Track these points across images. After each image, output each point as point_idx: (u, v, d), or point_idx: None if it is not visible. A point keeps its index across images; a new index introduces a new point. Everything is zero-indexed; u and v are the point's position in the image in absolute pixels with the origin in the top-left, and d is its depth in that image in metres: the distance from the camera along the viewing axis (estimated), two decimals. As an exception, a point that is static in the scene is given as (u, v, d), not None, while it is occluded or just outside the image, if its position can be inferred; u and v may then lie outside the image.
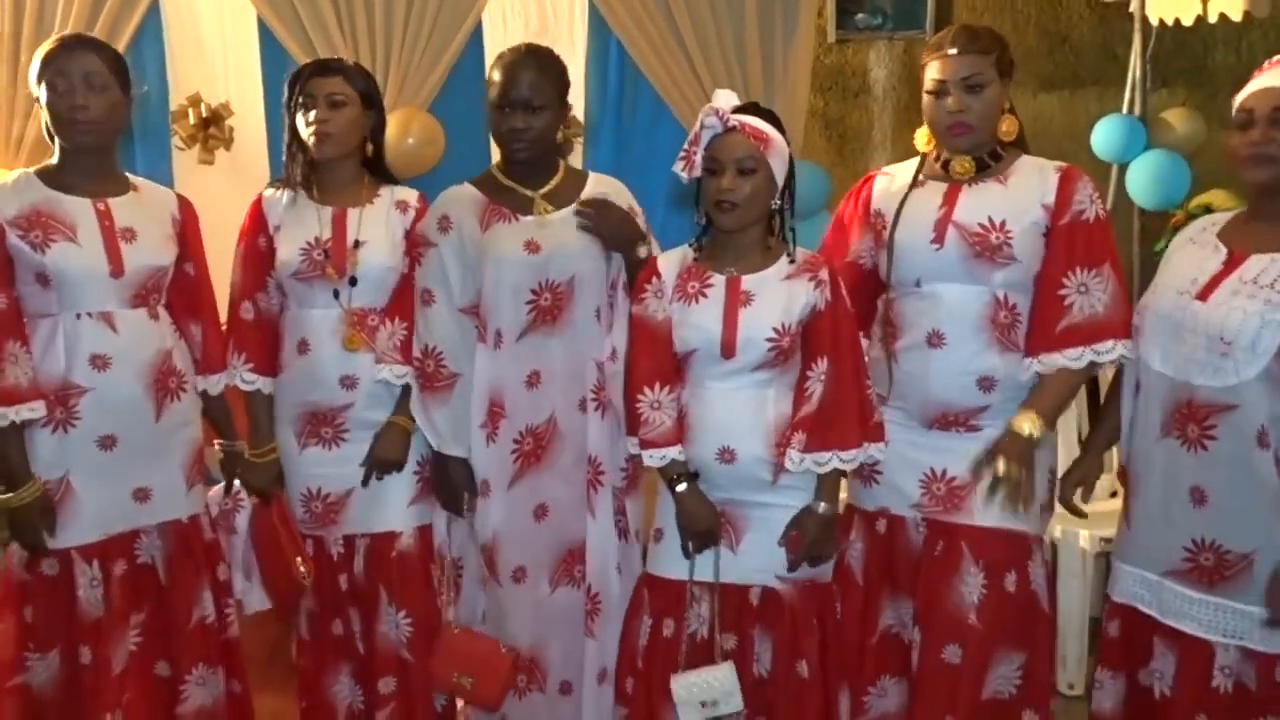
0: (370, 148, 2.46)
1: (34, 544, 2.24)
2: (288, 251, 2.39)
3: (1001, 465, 2.10)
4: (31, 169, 2.31)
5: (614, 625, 2.43)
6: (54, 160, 2.29)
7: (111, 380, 2.25)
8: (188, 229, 2.42)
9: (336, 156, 2.40)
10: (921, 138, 2.28)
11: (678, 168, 2.18)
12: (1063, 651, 3.05)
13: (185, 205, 2.44)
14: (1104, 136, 4.19)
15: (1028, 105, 5.44)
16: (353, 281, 2.38)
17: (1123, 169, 4.30)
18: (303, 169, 2.41)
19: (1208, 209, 3.73)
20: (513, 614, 2.43)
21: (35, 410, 2.20)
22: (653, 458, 2.24)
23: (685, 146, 2.18)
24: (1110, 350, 2.12)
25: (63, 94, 2.19)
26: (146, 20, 3.75)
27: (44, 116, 2.26)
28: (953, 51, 2.16)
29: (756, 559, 2.24)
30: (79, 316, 2.24)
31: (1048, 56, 5.42)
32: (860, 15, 5.23)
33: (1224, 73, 5.28)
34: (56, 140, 2.27)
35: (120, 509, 2.31)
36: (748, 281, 2.21)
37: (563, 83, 2.37)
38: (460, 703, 2.55)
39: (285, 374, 2.44)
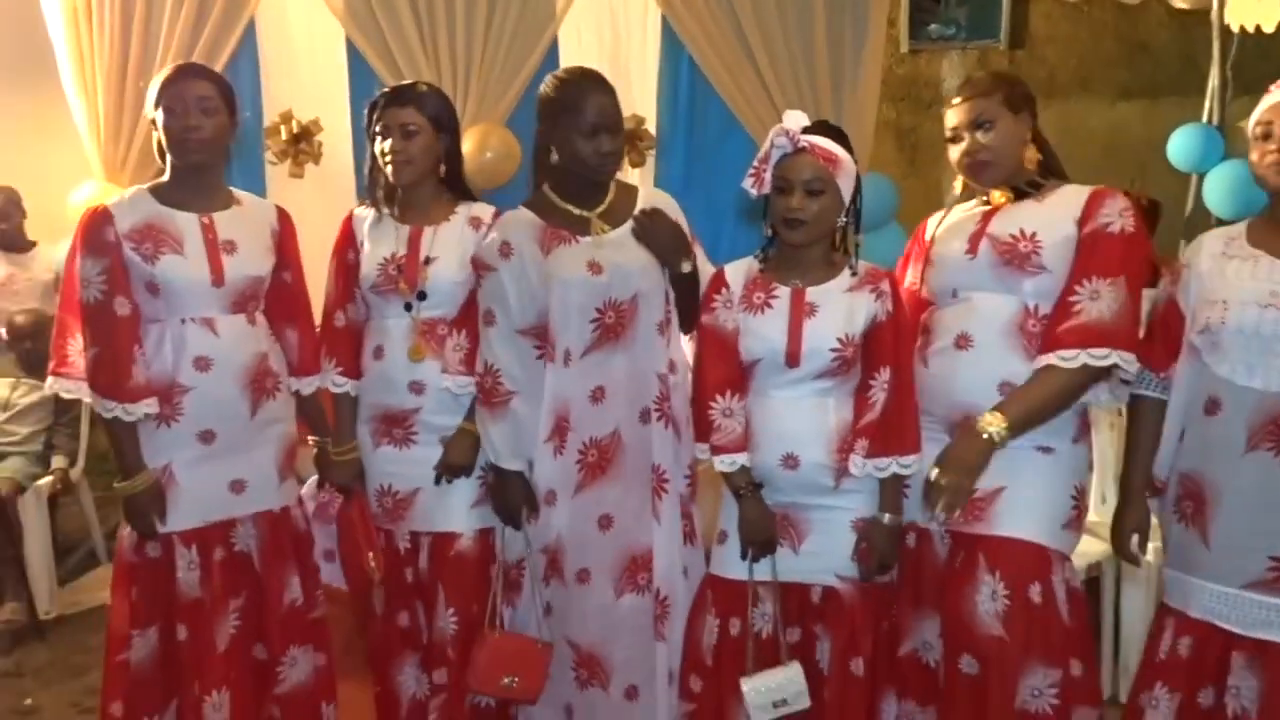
0: (445, 168, 2.58)
1: (146, 529, 2.44)
2: (368, 266, 2.56)
3: (935, 473, 2.15)
4: (144, 185, 2.51)
5: (682, 629, 2.50)
6: (165, 178, 2.49)
7: (212, 380, 2.44)
8: (285, 240, 2.60)
9: (414, 180, 2.54)
10: (959, 184, 2.36)
11: (747, 184, 2.25)
12: (1125, 662, 3.05)
13: (284, 217, 2.62)
14: (1181, 146, 4.15)
15: (1105, 114, 5.40)
16: (421, 296, 2.52)
17: (1201, 178, 4.25)
18: (385, 190, 2.57)
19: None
20: (576, 614, 2.52)
21: (152, 407, 2.40)
22: (724, 463, 2.31)
23: (755, 164, 2.25)
24: (1106, 358, 2.13)
25: (178, 116, 2.39)
26: (243, 42, 3.99)
27: (156, 136, 2.46)
28: (957, 101, 2.25)
29: (818, 559, 2.31)
30: (184, 322, 2.43)
31: (1126, 65, 5.36)
32: (934, 25, 5.24)
33: (1311, 79, 5.18)
34: (169, 159, 2.46)
35: (218, 499, 2.50)
36: (812, 293, 2.28)
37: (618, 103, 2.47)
38: None
39: (365, 377, 2.60)
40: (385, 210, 2.58)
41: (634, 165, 4.21)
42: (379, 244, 2.56)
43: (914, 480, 2.27)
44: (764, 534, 2.30)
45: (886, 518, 2.27)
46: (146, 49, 3.93)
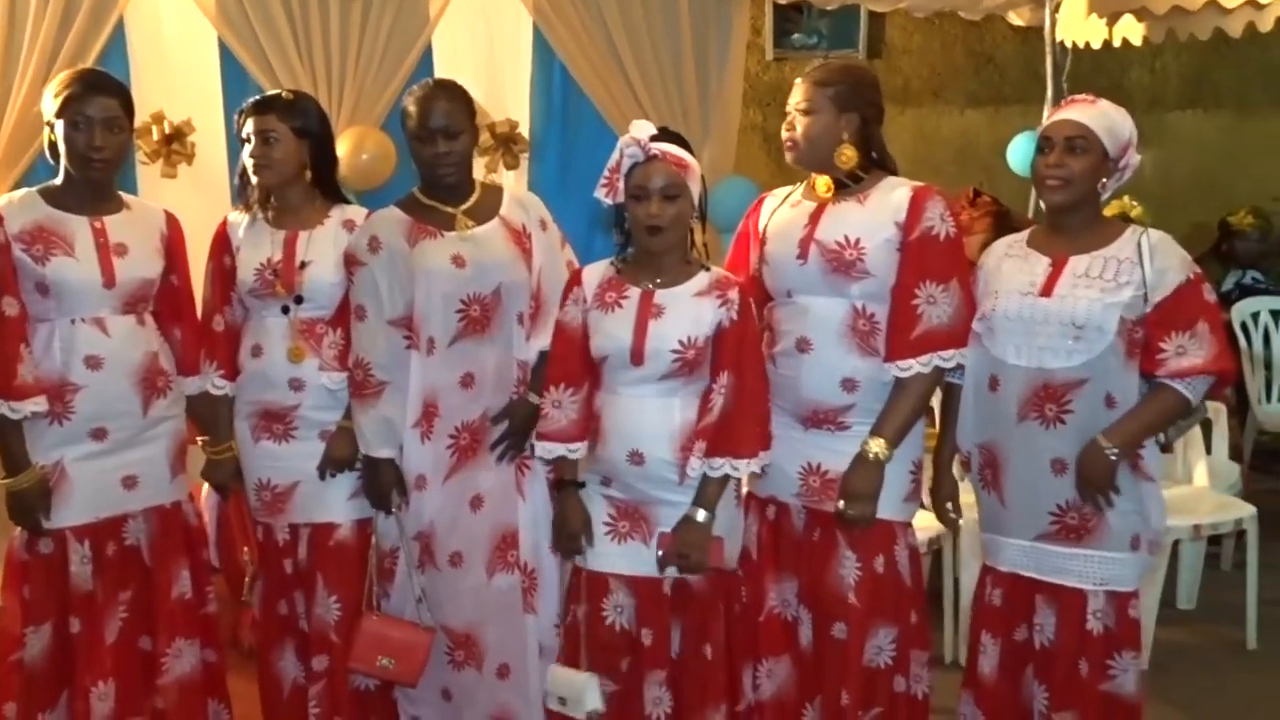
0: (312, 173, 2.66)
1: (32, 525, 2.49)
2: (245, 271, 2.64)
3: (843, 505, 2.36)
4: (35, 188, 2.56)
5: (549, 601, 2.65)
6: (58, 181, 2.53)
7: (104, 378, 2.50)
8: (174, 244, 2.66)
9: (276, 185, 2.63)
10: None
11: (600, 193, 2.35)
12: (964, 629, 3.29)
13: (172, 222, 2.68)
14: (1016, 152, 4.45)
15: (956, 121, 5.74)
16: (298, 300, 2.62)
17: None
18: (259, 194, 2.65)
19: (1124, 217, 4.01)
20: (450, 597, 2.63)
21: (39, 405, 2.44)
22: (544, 449, 2.46)
23: (607, 173, 2.35)
24: (951, 359, 2.37)
25: (83, 133, 2.44)
26: (112, 40, 3.94)
27: (48, 137, 2.49)
28: (798, 81, 2.43)
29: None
30: (74, 322, 2.49)
31: (974, 76, 5.70)
32: (797, 35, 5.50)
33: (1139, 92, 5.60)
34: (62, 164, 2.50)
35: (110, 494, 2.55)
36: (660, 295, 2.39)
37: (471, 109, 2.59)
38: None
39: (243, 374, 2.67)
40: (259, 215, 2.65)
41: (508, 168, 4.32)
42: (254, 249, 2.63)
43: (774, 458, 2.41)
44: (571, 529, 2.42)
45: (700, 514, 2.34)
46: (10, 47, 3.86)
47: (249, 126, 2.58)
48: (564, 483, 2.46)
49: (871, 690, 2.42)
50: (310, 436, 2.63)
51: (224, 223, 2.71)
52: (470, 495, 2.61)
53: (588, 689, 2.39)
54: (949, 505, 2.54)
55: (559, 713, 2.45)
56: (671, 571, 2.39)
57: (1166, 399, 2.29)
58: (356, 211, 2.70)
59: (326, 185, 2.70)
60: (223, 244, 2.68)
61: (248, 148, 2.59)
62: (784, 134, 2.44)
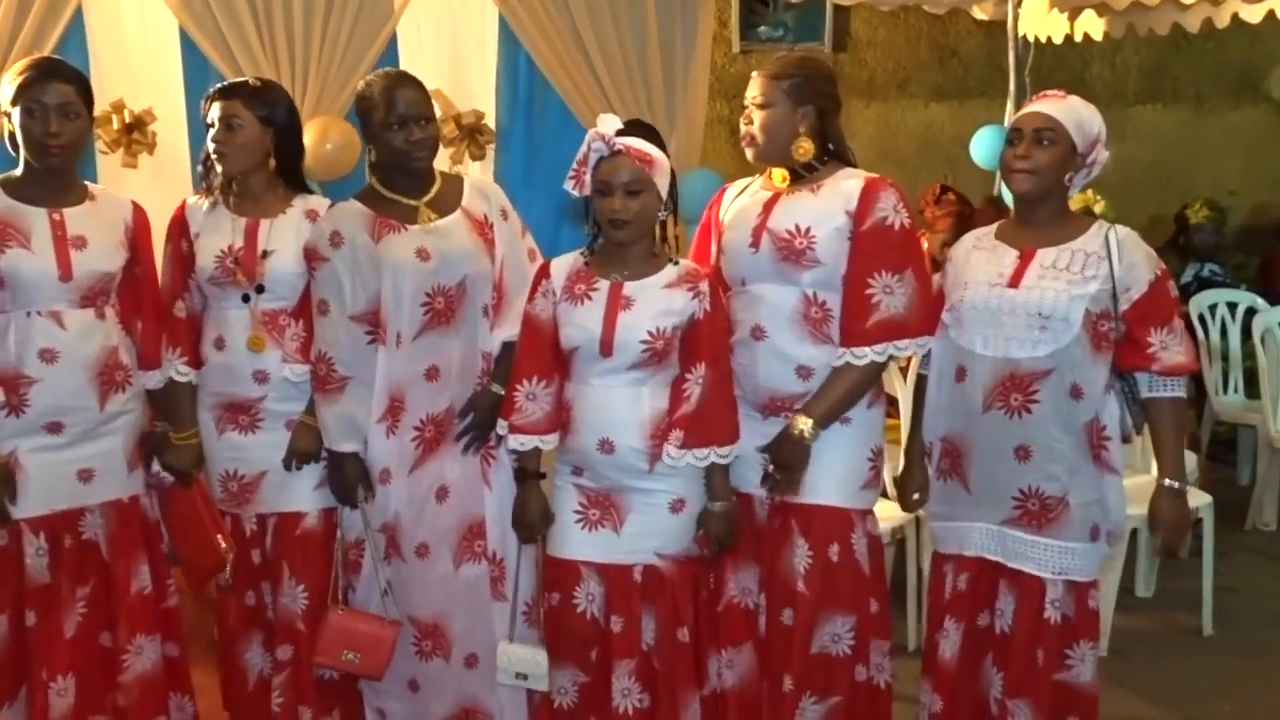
0: (276, 162, 2.63)
1: None
2: (204, 258, 2.60)
3: (770, 469, 2.40)
4: None
5: (519, 589, 2.64)
6: (18, 172, 2.50)
7: (59, 372, 2.46)
8: (139, 235, 2.62)
9: (237, 172, 2.60)
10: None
11: (569, 186, 2.38)
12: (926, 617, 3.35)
13: (139, 213, 2.64)
14: (979, 145, 4.50)
15: (920, 114, 5.78)
16: (259, 289, 2.59)
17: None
18: (221, 181, 2.62)
19: (1087, 211, 4.07)
20: (417, 588, 2.63)
21: None
22: (518, 442, 2.46)
23: (574, 166, 2.38)
24: (907, 348, 2.40)
25: (38, 121, 2.40)
26: (71, 28, 3.91)
27: (7, 128, 2.46)
28: (755, 75, 2.44)
29: (639, 540, 2.44)
30: (29, 315, 2.45)
31: (938, 69, 5.74)
32: (763, 28, 5.51)
33: (1101, 85, 5.67)
34: (21, 154, 2.46)
35: (65, 488, 2.52)
36: (629, 287, 2.40)
37: (429, 97, 2.58)
38: None
39: (205, 367, 2.65)
40: (219, 200, 2.62)
41: (474, 159, 4.31)
42: (214, 235, 2.60)
43: (734, 459, 2.44)
44: (529, 519, 2.46)
45: (718, 506, 2.42)
46: (-33, 33, 3.83)
47: (214, 112, 2.56)
48: (527, 473, 2.48)
49: (830, 679, 2.44)
50: (276, 427, 2.62)
51: (182, 206, 2.67)
52: (436, 487, 2.61)
53: (543, 660, 2.44)
54: (915, 495, 2.56)
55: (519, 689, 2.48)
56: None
57: (1176, 409, 2.36)
58: (319, 202, 2.68)
59: (291, 175, 2.68)
60: (180, 228, 2.64)
61: (211, 132, 2.56)
62: (742, 129, 2.45)
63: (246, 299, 2.59)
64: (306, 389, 2.61)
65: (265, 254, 2.58)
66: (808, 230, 2.38)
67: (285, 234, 2.61)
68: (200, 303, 2.65)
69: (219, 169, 2.59)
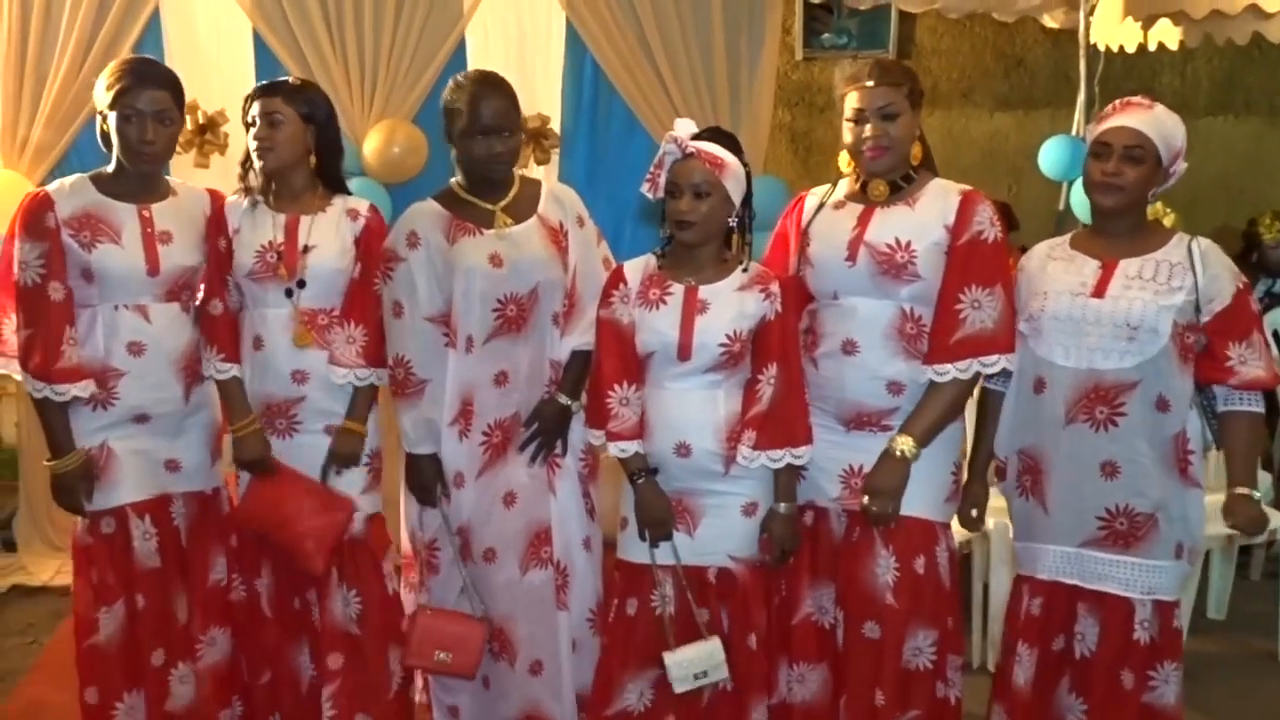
0: (316, 161, 2.62)
1: (74, 506, 2.51)
2: (244, 254, 2.60)
3: (867, 501, 2.36)
4: (87, 174, 2.56)
5: (581, 597, 2.65)
6: (109, 169, 2.55)
7: (146, 364, 2.52)
8: (215, 220, 2.64)
9: (277, 169, 2.59)
10: (844, 160, 2.47)
11: (644, 188, 2.41)
12: (992, 635, 3.29)
13: (216, 199, 2.67)
14: (1049, 155, 4.42)
15: (985, 123, 5.72)
16: (301, 284, 2.59)
17: (1071, 185, 4.54)
18: (261, 179, 2.62)
19: (1156, 222, 3.99)
20: (484, 592, 2.63)
21: (85, 390, 2.47)
22: (618, 449, 2.45)
23: (650, 169, 2.40)
24: (995, 363, 2.35)
25: (134, 127, 2.45)
26: (147, 31, 3.96)
27: (101, 126, 2.50)
28: (869, 84, 2.36)
29: (713, 542, 2.45)
30: (116, 308, 2.50)
31: (1004, 78, 5.68)
32: (826, 35, 5.48)
33: (1170, 96, 5.57)
34: (114, 152, 2.51)
35: (155, 476, 2.58)
36: (704, 291, 2.41)
37: (518, 104, 2.57)
38: (419, 679, 2.76)
39: (243, 369, 2.63)
40: (259, 198, 2.62)
41: (539, 163, 4.31)
42: (255, 231, 2.60)
43: (812, 463, 2.43)
44: (658, 514, 2.44)
45: (783, 507, 2.42)
46: (46, 38, 3.89)
47: (255, 109, 2.55)
48: (641, 473, 2.44)
49: (911, 692, 2.41)
50: (315, 429, 2.61)
51: (221, 203, 2.67)
52: (503, 492, 2.61)
53: (716, 651, 2.40)
54: (974, 511, 2.52)
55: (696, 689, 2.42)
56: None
57: (1253, 424, 2.33)
58: (359, 202, 2.68)
59: (329, 174, 2.66)
60: (219, 226, 2.63)
61: (252, 130, 2.56)
62: (869, 140, 2.34)
63: (289, 294, 2.58)
64: (347, 392, 2.60)
65: (306, 249, 2.58)
66: (908, 244, 2.35)
67: (326, 230, 2.61)
68: (237, 303, 2.64)
69: (259, 166, 2.58)
